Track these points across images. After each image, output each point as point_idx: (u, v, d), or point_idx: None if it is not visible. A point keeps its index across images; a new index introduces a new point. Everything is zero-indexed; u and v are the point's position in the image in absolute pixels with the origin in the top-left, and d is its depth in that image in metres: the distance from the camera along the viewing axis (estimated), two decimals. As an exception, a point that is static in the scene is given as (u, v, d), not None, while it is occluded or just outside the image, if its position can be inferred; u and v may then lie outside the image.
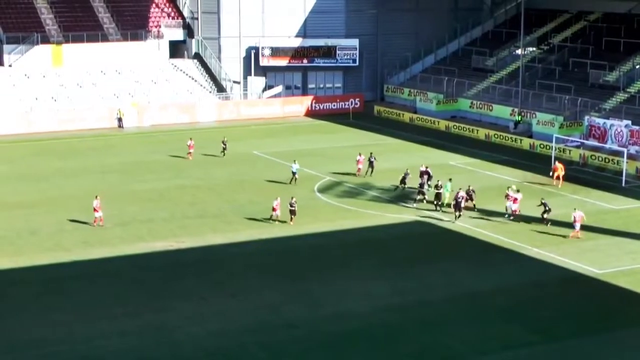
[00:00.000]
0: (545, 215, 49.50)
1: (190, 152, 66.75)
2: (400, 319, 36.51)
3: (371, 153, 61.82)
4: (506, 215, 50.80)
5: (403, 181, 56.44)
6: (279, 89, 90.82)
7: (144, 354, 33.37)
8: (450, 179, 54.23)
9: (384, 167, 62.13)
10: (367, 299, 38.69)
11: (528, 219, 50.51)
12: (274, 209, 49.55)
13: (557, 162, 59.78)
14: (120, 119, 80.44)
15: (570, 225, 48.05)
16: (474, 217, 50.74)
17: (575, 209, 47.94)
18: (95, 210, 49.00)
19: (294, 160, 59.15)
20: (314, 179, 59.81)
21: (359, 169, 61.13)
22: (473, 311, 37.38)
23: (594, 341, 34.60)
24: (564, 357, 33.23)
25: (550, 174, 59.04)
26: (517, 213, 50.37)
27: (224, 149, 67.33)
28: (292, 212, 49.37)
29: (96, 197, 49.55)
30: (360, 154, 61.52)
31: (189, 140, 67.42)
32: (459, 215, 49.83)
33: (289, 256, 44.79)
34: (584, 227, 47.83)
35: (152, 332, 35.23)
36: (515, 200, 50.53)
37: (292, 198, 49.93)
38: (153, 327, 35.70)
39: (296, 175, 58.57)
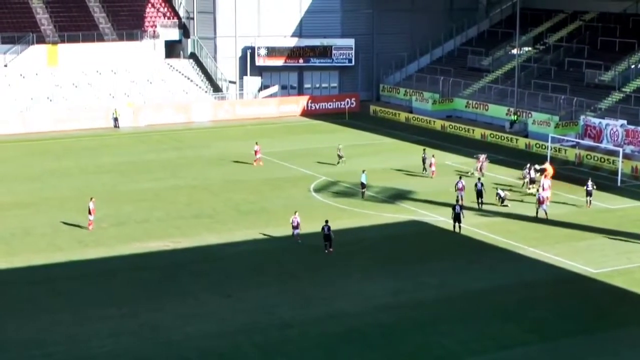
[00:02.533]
0: (589, 198, 52.16)
1: (257, 158, 64.07)
2: (395, 318, 36.48)
3: (424, 150, 62.69)
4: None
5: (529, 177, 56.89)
6: (274, 88, 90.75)
7: (139, 354, 33.31)
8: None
9: (378, 168, 62.15)
10: (361, 298, 38.65)
11: (523, 218, 50.58)
12: (295, 227, 45.96)
13: (547, 163, 59.05)
14: (116, 119, 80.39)
15: (567, 225, 48.08)
16: (475, 215, 50.80)
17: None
18: (90, 212, 48.40)
19: (363, 171, 56.24)
20: (309, 179, 59.77)
21: (433, 171, 60.41)
22: (468, 311, 37.35)
23: (590, 341, 34.60)
24: (559, 357, 33.20)
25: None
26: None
27: (340, 157, 63.73)
28: (328, 238, 44.37)
29: (91, 199, 49.23)
30: (433, 156, 61.34)
31: (255, 145, 64.91)
32: (459, 227, 48.45)
33: (284, 256, 44.73)
34: (579, 227, 47.79)
35: (148, 332, 35.18)
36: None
37: (326, 222, 44.70)
38: (148, 327, 35.65)
39: (365, 189, 55.08)
